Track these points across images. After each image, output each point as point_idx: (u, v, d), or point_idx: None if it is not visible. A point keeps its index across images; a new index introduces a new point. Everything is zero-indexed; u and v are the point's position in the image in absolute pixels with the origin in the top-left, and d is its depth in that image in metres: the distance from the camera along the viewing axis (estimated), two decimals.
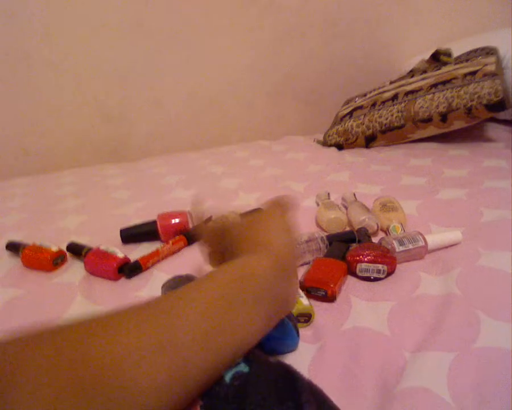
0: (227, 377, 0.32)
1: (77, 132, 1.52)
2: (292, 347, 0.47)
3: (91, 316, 0.30)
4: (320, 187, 0.98)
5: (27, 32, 1.36)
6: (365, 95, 1.49)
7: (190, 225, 0.80)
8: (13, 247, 0.77)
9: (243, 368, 0.32)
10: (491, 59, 1.23)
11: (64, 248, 0.76)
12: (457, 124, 1.23)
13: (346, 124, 1.38)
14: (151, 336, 0.28)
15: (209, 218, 0.82)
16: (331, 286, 0.56)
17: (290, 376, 0.33)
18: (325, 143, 1.42)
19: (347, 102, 1.55)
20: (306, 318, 0.52)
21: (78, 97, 1.49)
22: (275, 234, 0.41)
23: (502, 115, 1.29)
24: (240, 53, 1.62)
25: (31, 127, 1.46)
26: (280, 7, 1.60)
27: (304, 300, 0.52)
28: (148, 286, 0.65)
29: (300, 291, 0.54)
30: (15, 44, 1.36)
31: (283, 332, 0.45)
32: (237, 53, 1.62)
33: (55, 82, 1.44)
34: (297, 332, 0.46)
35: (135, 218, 0.88)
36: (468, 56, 1.33)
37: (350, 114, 1.41)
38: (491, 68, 1.20)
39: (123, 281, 0.68)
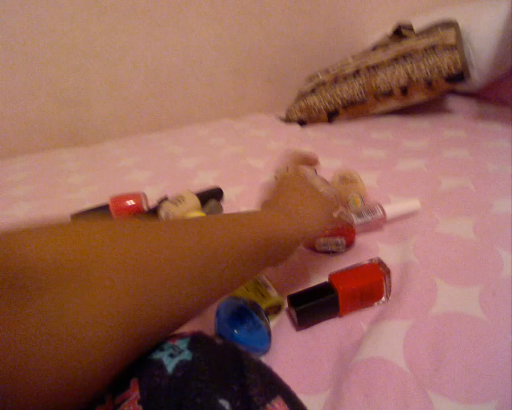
0: (170, 368, 0.29)
1: (30, 116, 1.44)
2: (261, 353, 0.44)
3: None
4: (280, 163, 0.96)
5: None
6: (327, 71, 1.47)
7: (145, 207, 0.76)
8: None
9: (187, 356, 0.30)
10: (451, 32, 1.23)
11: None
12: (417, 98, 1.23)
13: (309, 100, 1.36)
14: (192, 271, 0.30)
15: (165, 198, 0.79)
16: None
17: (237, 357, 0.31)
18: (287, 120, 1.40)
19: (310, 79, 1.53)
20: (276, 309, 0.50)
21: (30, 79, 1.40)
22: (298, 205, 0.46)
23: (461, 87, 1.30)
24: (201, 29, 1.57)
25: None
26: None
27: (272, 291, 0.50)
28: None
29: (267, 281, 0.52)
30: None
31: (256, 338, 0.43)
32: (198, 30, 1.57)
33: (4, 62, 1.36)
34: (270, 338, 0.44)
35: (89, 203, 0.84)
36: (429, 30, 1.33)
37: (313, 90, 1.39)
38: (451, 40, 1.20)
39: None
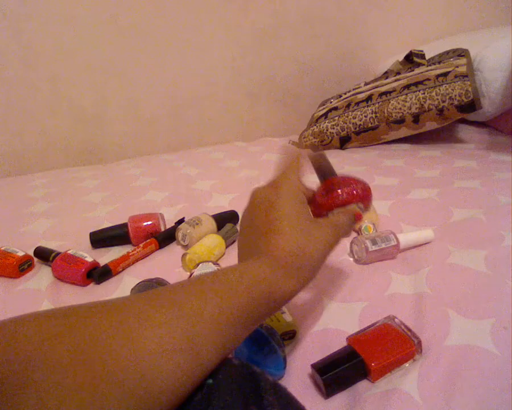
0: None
1: (50, 134, 1.48)
2: (276, 379, 0.45)
3: (111, 305, 0.30)
4: None
5: None
6: (340, 96, 1.50)
7: (162, 228, 0.78)
8: None
9: (207, 380, 0.31)
10: (463, 61, 1.25)
11: (31, 253, 0.74)
12: (429, 126, 1.25)
13: (321, 125, 1.39)
14: (173, 341, 0.28)
15: (182, 220, 0.81)
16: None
17: (254, 378, 0.32)
18: (300, 145, 1.42)
19: (323, 104, 1.55)
20: (291, 335, 0.50)
21: (50, 96, 1.45)
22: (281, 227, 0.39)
23: (473, 116, 1.32)
24: (217, 53, 1.61)
25: (1, 127, 1.42)
26: (258, 6, 1.60)
27: (287, 317, 0.50)
28: (118, 291, 0.64)
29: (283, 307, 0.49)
30: None
31: (272, 364, 0.44)
32: (214, 53, 1.61)
33: (26, 80, 1.40)
34: (285, 364, 0.44)
35: (107, 222, 0.87)
36: (440, 58, 1.35)
37: (325, 115, 1.42)
38: (462, 69, 1.22)
39: (92, 286, 0.66)
